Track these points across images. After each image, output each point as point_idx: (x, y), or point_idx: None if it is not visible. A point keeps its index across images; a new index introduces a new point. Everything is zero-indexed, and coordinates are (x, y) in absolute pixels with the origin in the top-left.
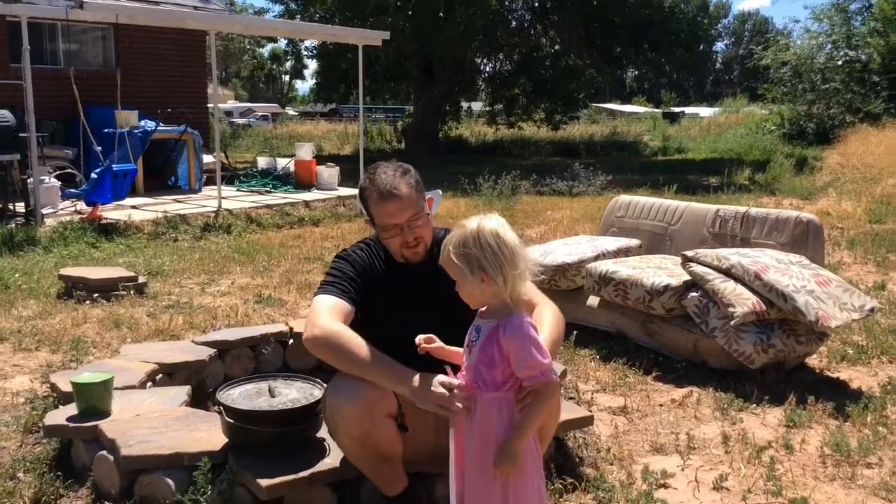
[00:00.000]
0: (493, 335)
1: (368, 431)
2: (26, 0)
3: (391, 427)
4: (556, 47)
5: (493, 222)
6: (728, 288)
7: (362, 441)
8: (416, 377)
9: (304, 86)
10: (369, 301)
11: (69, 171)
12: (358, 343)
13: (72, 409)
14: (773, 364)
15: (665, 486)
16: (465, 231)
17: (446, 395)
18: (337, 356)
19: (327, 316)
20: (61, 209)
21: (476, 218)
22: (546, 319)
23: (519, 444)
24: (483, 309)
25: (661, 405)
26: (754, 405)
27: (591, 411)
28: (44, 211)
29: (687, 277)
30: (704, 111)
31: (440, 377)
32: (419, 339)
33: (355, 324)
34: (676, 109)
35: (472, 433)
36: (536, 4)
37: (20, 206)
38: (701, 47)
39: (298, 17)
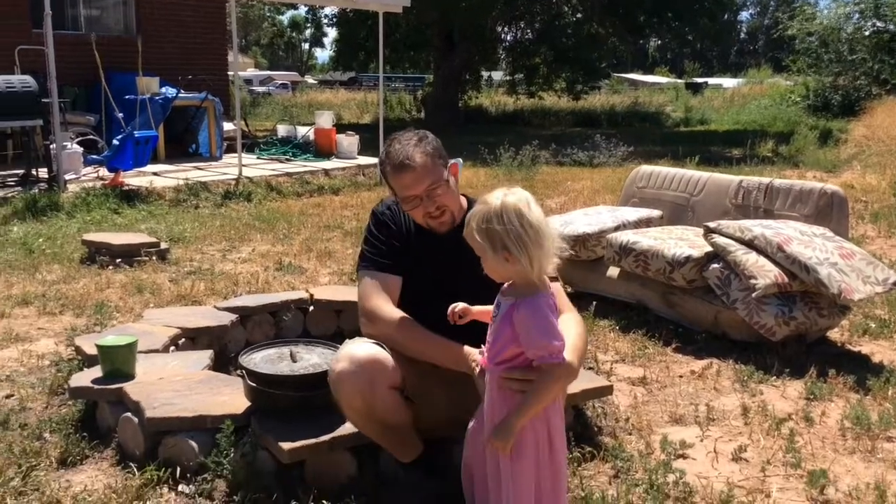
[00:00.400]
0: (509, 313)
1: (370, 404)
2: None
3: (394, 398)
4: (578, 15)
5: (516, 198)
6: (750, 260)
7: (366, 413)
8: (469, 354)
9: (323, 54)
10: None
11: (91, 137)
12: (415, 334)
13: (96, 372)
14: (794, 337)
15: (684, 456)
16: (488, 207)
17: (475, 371)
18: (401, 348)
19: (380, 304)
20: (83, 175)
21: (499, 193)
22: (569, 330)
23: (517, 421)
24: (507, 284)
25: (680, 376)
26: (775, 377)
27: (610, 381)
28: (66, 177)
29: (709, 249)
30: (728, 82)
31: (474, 354)
32: (453, 311)
33: None
34: (699, 80)
35: (486, 406)
36: None
37: (43, 172)
38: (725, 16)
39: None
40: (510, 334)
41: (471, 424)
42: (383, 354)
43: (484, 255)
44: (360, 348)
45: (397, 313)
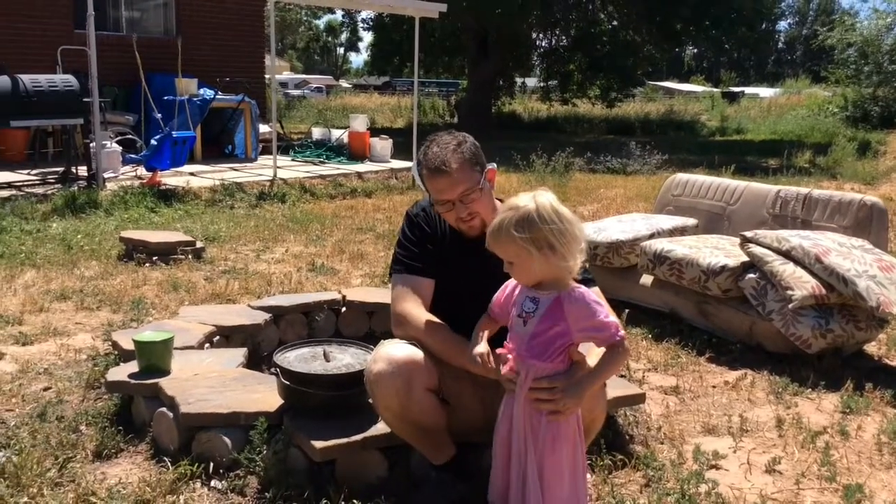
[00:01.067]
0: (556, 305)
1: (406, 406)
2: None
3: (430, 401)
4: (615, 23)
5: (546, 198)
6: (787, 270)
7: (401, 415)
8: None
9: (358, 58)
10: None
11: (130, 136)
12: (444, 338)
13: (133, 367)
14: (830, 349)
15: (716, 466)
16: (523, 211)
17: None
18: (431, 352)
19: (410, 308)
20: (122, 174)
21: (527, 196)
22: None
23: (589, 385)
24: (532, 285)
25: (713, 387)
26: (810, 390)
27: (642, 390)
28: (105, 175)
29: (745, 258)
30: (765, 91)
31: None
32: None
33: None
34: (736, 89)
35: (519, 403)
36: None
37: (82, 170)
38: (764, 26)
39: None
40: (563, 324)
41: (497, 426)
42: (420, 356)
43: (524, 259)
44: (398, 349)
45: (427, 317)
